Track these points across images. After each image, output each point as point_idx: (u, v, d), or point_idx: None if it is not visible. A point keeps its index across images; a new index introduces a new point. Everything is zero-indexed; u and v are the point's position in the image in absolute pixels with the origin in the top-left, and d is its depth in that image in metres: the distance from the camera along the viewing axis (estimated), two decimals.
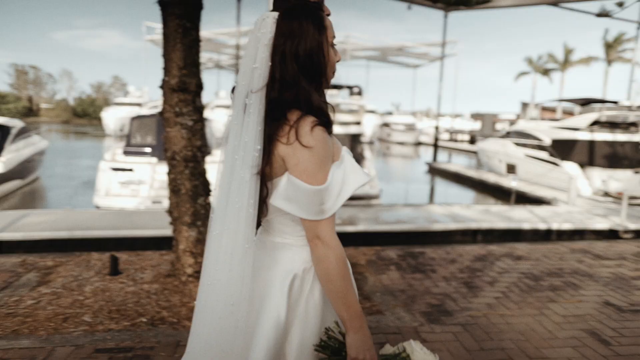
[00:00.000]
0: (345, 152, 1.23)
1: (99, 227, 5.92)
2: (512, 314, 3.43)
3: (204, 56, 31.66)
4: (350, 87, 14.47)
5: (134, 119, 9.57)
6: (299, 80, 1.14)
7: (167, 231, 3.94)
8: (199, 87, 3.67)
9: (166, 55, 3.57)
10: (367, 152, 14.29)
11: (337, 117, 13.26)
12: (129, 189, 8.32)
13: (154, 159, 8.47)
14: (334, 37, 1.23)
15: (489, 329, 3.19)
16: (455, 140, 37.77)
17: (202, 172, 3.80)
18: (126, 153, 8.81)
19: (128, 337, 2.89)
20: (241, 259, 1.16)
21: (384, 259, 4.66)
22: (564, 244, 5.73)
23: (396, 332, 3.09)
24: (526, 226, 7.30)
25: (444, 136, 38.80)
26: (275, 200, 1.18)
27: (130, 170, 8.36)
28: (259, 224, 1.32)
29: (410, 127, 36.41)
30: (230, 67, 31.61)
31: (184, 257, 3.75)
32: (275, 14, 1.16)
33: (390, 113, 41.51)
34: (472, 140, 32.86)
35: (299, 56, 1.14)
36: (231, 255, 1.16)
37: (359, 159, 13.38)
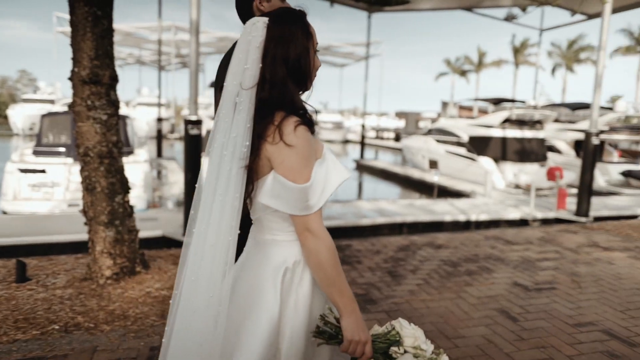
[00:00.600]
0: (327, 150, 1.28)
1: (6, 234, 5.43)
2: (432, 299, 3.61)
3: (124, 51, 30.10)
4: None
5: (45, 116, 8.88)
6: (286, 82, 1.21)
7: (87, 235, 3.70)
8: (113, 79, 3.49)
9: (75, 45, 3.35)
10: None
11: None
12: (41, 192, 7.71)
13: (69, 159, 7.92)
14: (317, 43, 1.31)
15: (411, 313, 3.33)
16: (382, 138, 38.97)
17: (120, 169, 3.62)
18: (37, 153, 8.16)
19: (37, 346, 2.68)
20: (223, 251, 1.18)
21: None
22: (480, 232, 6.12)
23: None
24: (447, 218, 7.71)
25: (371, 134, 39.86)
26: (263, 197, 1.23)
27: (42, 171, 7.75)
28: (250, 223, 1.36)
29: (338, 126, 37.07)
30: (153, 64, 30.27)
31: (102, 259, 3.55)
32: (266, 19, 1.22)
33: (318, 112, 41.90)
34: (397, 138, 34.07)
35: (288, 60, 1.21)
36: (213, 247, 1.18)
37: None
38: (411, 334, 1.27)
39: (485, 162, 13.09)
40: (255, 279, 1.27)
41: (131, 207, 3.73)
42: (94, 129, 3.41)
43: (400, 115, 40.63)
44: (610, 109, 15.84)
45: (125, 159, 3.74)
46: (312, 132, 1.23)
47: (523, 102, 16.22)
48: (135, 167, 8.44)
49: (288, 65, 1.21)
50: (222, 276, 1.18)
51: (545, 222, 8.12)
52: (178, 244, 5.40)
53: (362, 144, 21.94)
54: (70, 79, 3.40)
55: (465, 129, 14.99)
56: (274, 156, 1.17)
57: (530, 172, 13.22)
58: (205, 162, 1.25)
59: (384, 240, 5.42)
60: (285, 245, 1.28)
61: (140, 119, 23.75)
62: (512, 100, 16.01)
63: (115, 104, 3.53)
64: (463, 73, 48.39)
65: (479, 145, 13.79)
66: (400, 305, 3.47)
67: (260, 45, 1.20)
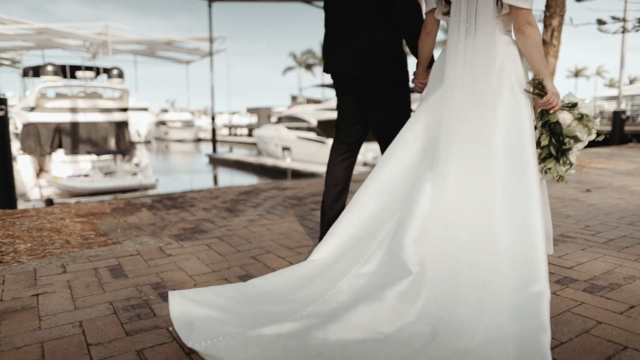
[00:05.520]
0: None
1: None
2: (273, 224, 3.16)
3: None
4: (107, 70, 12.90)
5: None
6: None
7: None
8: None
9: None
10: (141, 148, 13.02)
11: (98, 103, 11.62)
12: None
13: None
14: None
15: (248, 236, 2.83)
16: (235, 135, 38.14)
17: None
18: None
19: None
20: (491, 47, 1.72)
21: (134, 204, 3.91)
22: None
23: (134, 254, 2.46)
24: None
25: (224, 132, 38.68)
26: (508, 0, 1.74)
27: None
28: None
29: (189, 124, 35.04)
30: None
31: None
32: None
33: (165, 111, 39.29)
34: (251, 134, 33.66)
35: None
36: (485, 48, 1.72)
37: (128, 148, 12.02)
38: (579, 98, 1.82)
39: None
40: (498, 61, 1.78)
41: None
42: None
43: (252, 111, 40.41)
44: None
45: None
46: None
47: None
48: None
49: None
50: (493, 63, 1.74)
51: None
52: None
53: (214, 138, 21.08)
54: None
55: (314, 114, 15.19)
56: None
57: (375, 150, 13.90)
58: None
59: (224, 188, 4.85)
60: (510, 37, 1.83)
61: None
62: None
63: None
64: (309, 67, 49.75)
65: (328, 129, 14.03)
66: (235, 231, 2.94)
67: None
